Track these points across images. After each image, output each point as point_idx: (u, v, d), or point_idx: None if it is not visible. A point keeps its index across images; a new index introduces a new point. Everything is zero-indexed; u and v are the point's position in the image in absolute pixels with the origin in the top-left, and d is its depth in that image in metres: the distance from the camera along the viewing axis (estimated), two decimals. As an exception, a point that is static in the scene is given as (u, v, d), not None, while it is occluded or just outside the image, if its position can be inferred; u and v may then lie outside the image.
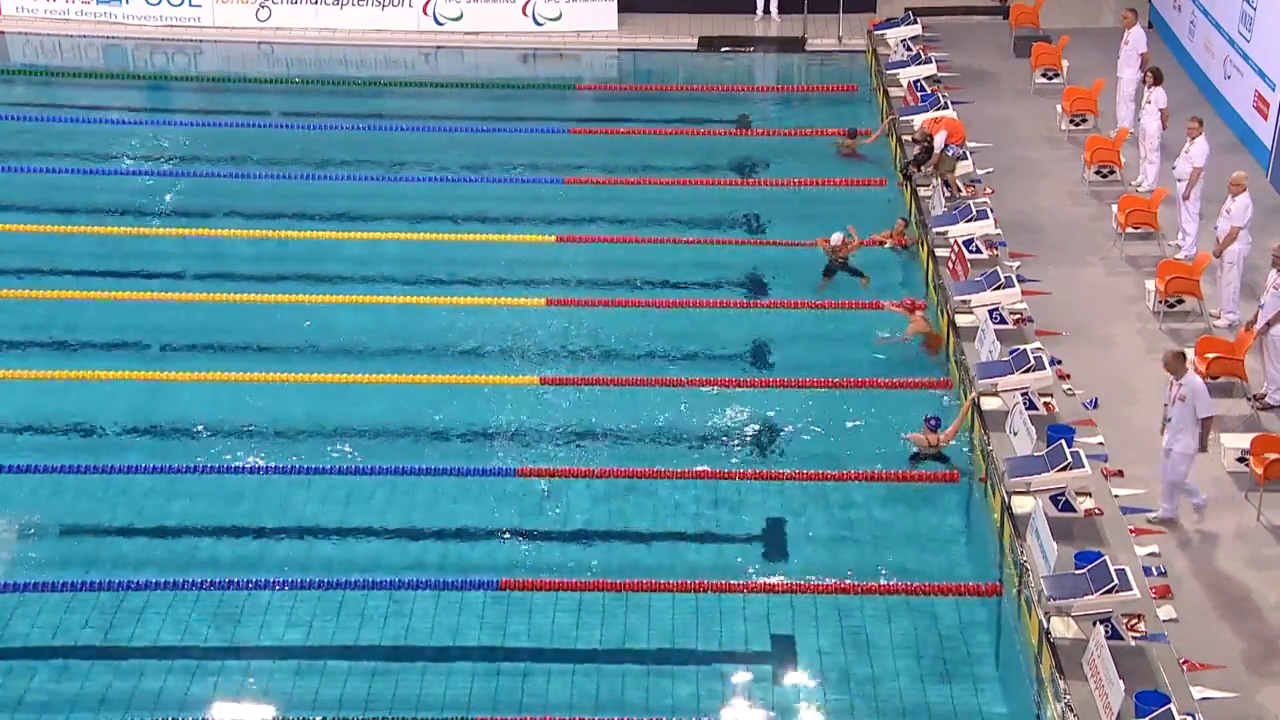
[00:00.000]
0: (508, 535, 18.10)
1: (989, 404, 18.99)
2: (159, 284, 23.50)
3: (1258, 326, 18.64)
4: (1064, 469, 17.02)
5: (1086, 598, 15.27)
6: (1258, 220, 20.70)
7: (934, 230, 23.01)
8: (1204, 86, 27.68)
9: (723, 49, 33.00)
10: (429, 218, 25.46)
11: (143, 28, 33.67)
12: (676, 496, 18.77)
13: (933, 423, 19.16)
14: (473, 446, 19.83)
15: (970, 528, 18.48)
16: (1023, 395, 18.58)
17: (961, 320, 20.82)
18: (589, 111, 30.71)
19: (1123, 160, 24.63)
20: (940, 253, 22.57)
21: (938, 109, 25.99)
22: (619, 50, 33.36)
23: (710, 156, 27.90)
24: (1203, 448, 16.59)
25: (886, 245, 23.80)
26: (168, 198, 26.46)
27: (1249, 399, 18.94)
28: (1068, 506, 16.99)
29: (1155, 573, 16.14)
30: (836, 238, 23.21)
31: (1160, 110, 23.60)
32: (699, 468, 19.20)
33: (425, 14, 33.52)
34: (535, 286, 23.43)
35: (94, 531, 18.10)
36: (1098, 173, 24.76)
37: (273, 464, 19.24)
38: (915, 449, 19.23)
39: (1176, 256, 21.93)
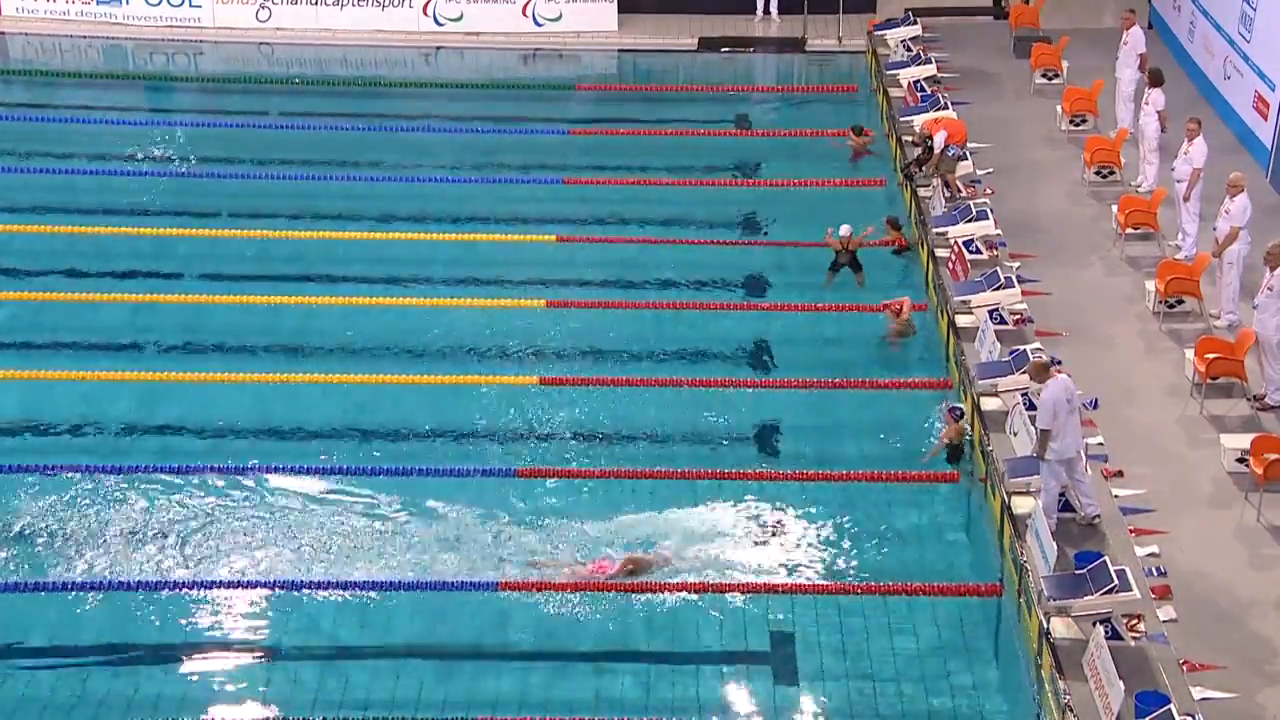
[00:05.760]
0: (507, 535, 18.08)
1: (989, 404, 18.98)
2: (159, 284, 23.48)
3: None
4: (1064, 469, 17.02)
5: (1086, 598, 15.27)
6: (1257, 220, 20.70)
7: (934, 231, 23.01)
8: (1204, 87, 27.66)
9: (723, 49, 33.00)
10: (429, 218, 25.45)
11: (143, 28, 33.67)
12: (676, 496, 18.75)
13: (956, 413, 19.09)
14: (472, 447, 19.84)
15: (970, 528, 18.49)
16: (1023, 396, 18.57)
17: (961, 320, 20.82)
18: (589, 112, 30.69)
19: (1123, 161, 24.61)
20: (940, 253, 22.56)
21: (938, 109, 26.00)
22: (619, 50, 33.36)
23: (710, 156, 27.90)
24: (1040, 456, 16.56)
25: (870, 234, 23.70)
26: (167, 198, 26.45)
27: (1249, 399, 18.94)
28: (1068, 506, 16.99)
29: (1155, 573, 16.15)
30: (845, 230, 23.15)
31: (1158, 113, 23.56)
32: (699, 468, 19.20)
33: (425, 14, 33.52)
34: (535, 287, 23.43)
35: (92, 530, 18.11)
36: (1098, 173, 24.75)
37: (271, 464, 19.21)
38: (946, 445, 19.03)
39: (1176, 257, 21.93)
